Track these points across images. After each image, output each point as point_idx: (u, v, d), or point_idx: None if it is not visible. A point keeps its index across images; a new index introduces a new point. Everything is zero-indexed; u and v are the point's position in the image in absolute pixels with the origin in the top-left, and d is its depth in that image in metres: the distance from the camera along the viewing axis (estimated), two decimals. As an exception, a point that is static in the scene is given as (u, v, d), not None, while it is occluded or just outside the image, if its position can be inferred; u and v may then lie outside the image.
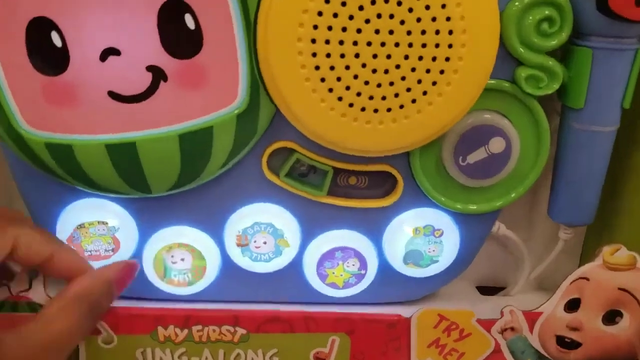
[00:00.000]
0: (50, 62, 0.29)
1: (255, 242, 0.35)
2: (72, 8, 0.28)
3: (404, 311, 0.36)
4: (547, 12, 0.31)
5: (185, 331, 0.33)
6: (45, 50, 0.29)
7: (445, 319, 0.35)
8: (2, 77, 0.29)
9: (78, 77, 0.29)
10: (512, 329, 0.36)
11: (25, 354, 0.27)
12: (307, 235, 0.36)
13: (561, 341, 0.35)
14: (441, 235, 0.36)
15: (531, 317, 0.35)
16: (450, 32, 0.29)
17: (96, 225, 0.34)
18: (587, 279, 0.35)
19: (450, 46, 0.29)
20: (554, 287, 0.36)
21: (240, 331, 0.33)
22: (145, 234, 0.35)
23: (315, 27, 0.28)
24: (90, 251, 0.34)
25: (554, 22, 0.31)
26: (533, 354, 0.36)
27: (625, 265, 0.34)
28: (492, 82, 0.32)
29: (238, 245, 0.35)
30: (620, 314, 0.35)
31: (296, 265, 0.36)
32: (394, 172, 0.34)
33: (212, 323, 0.33)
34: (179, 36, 0.29)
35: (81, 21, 0.28)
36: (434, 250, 0.36)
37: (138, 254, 0.35)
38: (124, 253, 0.35)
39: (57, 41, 0.28)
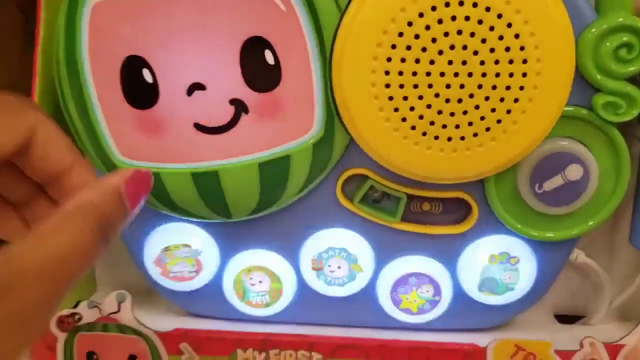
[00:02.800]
0: (141, 96, 0.31)
1: (329, 266, 0.36)
2: (162, 47, 0.30)
3: (479, 339, 0.35)
4: (625, 38, 0.31)
5: (263, 354, 0.35)
6: (138, 86, 0.31)
7: (522, 349, 0.34)
8: (99, 111, 0.32)
9: (167, 110, 0.31)
10: None
11: (9, 280, 0.20)
12: (381, 260, 0.36)
13: None
14: (517, 262, 0.36)
15: (613, 350, 0.34)
16: (525, 61, 0.29)
17: (181, 248, 0.36)
18: None
19: (524, 75, 0.29)
20: (637, 317, 0.35)
21: (316, 356, 0.34)
22: (225, 257, 0.37)
23: (389, 59, 0.29)
24: (175, 272, 0.36)
25: (632, 48, 0.31)
26: None
27: None
28: (569, 108, 0.32)
29: (313, 269, 0.36)
30: None
31: (370, 290, 0.37)
32: (469, 198, 0.35)
33: (289, 347, 0.34)
34: (260, 71, 0.31)
35: (170, 59, 0.30)
36: (509, 278, 0.36)
37: (219, 275, 0.36)
38: (206, 275, 0.36)
39: (148, 77, 0.31)
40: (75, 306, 0.35)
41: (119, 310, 0.34)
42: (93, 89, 0.31)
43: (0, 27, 0.48)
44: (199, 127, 0.31)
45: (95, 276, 0.42)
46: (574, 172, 0.33)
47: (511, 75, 0.29)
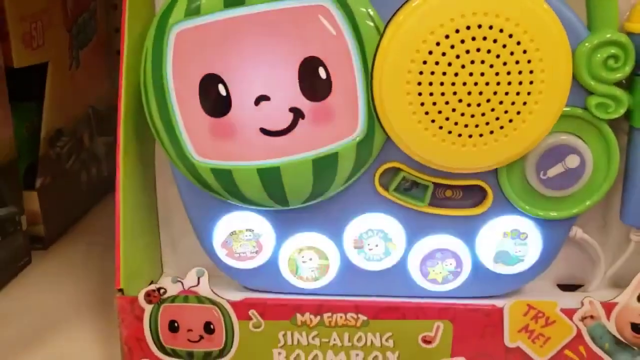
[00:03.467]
0: (217, 107, 0.35)
1: (369, 244, 0.39)
2: (236, 66, 0.35)
3: (495, 303, 0.39)
4: (612, 51, 0.35)
5: (318, 317, 0.38)
6: (214, 98, 0.35)
7: (533, 308, 0.38)
8: (180, 118, 0.36)
9: (237, 118, 0.35)
10: (592, 317, 0.38)
11: None
12: (411, 239, 0.40)
13: (636, 328, 0.38)
14: (526, 238, 0.39)
15: (608, 307, 0.38)
16: (531, 72, 0.33)
17: (244, 232, 0.40)
18: None
19: (531, 83, 0.33)
20: (628, 283, 0.38)
21: (362, 317, 0.38)
22: (281, 239, 0.40)
23: (421, 72, 0.34)
24: (239, 253, 0.40)
25: (619, 59, 0.35)
26: (610, 339, 0.38)
27: None
28: (567, 109, 0.36)
29: (355, 247, 0.40)
30: (688, 302, 0.36)
31: (402, 264, 0.40)
32: (485, 185, 0.38)
33: (339, 311, 0.38)
34: (314, 84, 0.35)
35: (242, 76, 0.35)
36: (520, 251, 0.39)
37: (275, 255, 0.41)
38: (265, 254, 0.41)
39: (222, 91, 0.35)
40: (150, 285, 0.39)
41: (198, 284, 0.38)
42: (175, 102, 0.36)
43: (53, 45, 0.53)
44: (263, 131, 0.36)
45: (162, 261, 0.47)
46: (572, 161, 0.37)
47: (520, 83, 0.33)
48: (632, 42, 0.35)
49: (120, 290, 0.39)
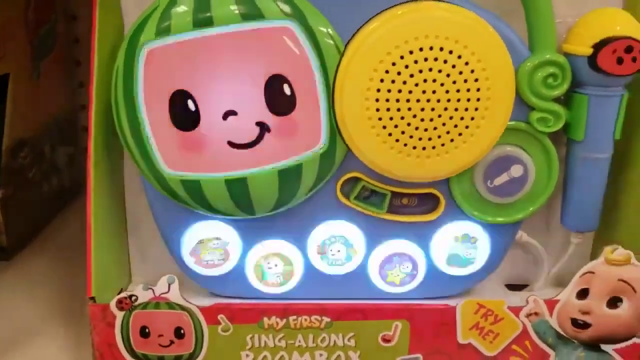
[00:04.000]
0: (186, 121, 0.36)
1: (331, 250, 0.41)
2: (204, 83, 0.36)
3: (449, 302, 0.41)
4: (551, 70, 0.37)
5: (284, 320, 0.40)
6: (183, 113, 0.36)
7: (483, 307, 0.40)
8: (150, 132, 0.37)
9: (206, 132, 0.36)
10: (536, 313, 0.40)
11: None
12: (371, 244, 0.42)
13: (575, 323, 0.40)
14: (476, 241, 0.41)
15: (551, 304, 0.40)
16: (478, 90, 0.36)
17: (212, 241, 0.41)
18: (594, 273, 0.39)
19: (478, 100, 0.36)
20: (569, 282, 0.40)
21: (326, 319, 0.40)
22: (247, 246, 0.41)
23: (378, 90, 0.36)
24: (207, 261, 0.41)
25: (557, 77, 0.38)
26: (553, 334, 0.40)
27: (622, 261, 0.38)
28: (512, 123, 0.38)
29: (318, 253, 0.41)
30: (621, 300, 0.39)
31: (363, 268, 0.42)
32: (438, 193, 0.40)
33: (304, 313, 0.40)
34: (279, 100, 0.36)
35: (210, 92, 0.36)
36: (470, 254, 0.41)
37: (242, 262, 0.42)
38: (232, 262, 0.42)
39: (191, 106, 0.36)
40: (119, 293, 0.40)
41: (169, 291, 0.39)
42: (146, 117, 0.37)
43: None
44: (231, 144, 0.37)
45: (130, 270, 0.47)
46: (516, 170, 0.39)
47: (468, 100, 0.36)
48: (569, 62, 0.38)
49: (92, 298, 0.40)
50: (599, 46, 0.37)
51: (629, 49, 0.37)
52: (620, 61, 0.37)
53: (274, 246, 0.42)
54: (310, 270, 0.43)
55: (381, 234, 0.42)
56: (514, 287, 0.47)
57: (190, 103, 0.36)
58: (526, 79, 0.38)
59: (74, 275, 0.40)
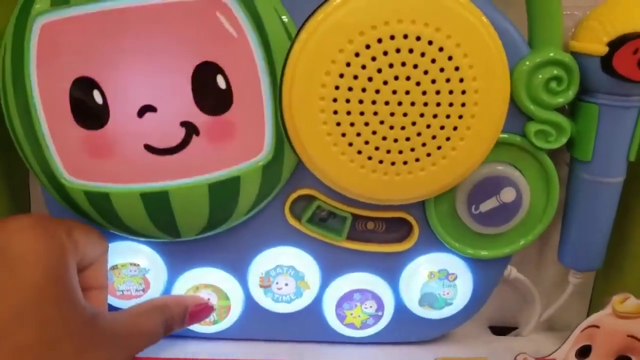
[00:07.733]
0: (91, 117, 0.31)
1: (277, 283, 0.37)
2: (113, 69, 0.30)
3: (419, 352, 0.37)
4: (555, 72, 0.33)
5: None
6: (87, 106, 0.31)
7: None
8: (47, 131, 0.31)
9: (116, 132, 0.31)
10: None
11: (111, 338, 0.29)
12: (327, 277, 0.38)
13: None
14: (455, 279, 0.37)
15: None
16: (463, 92, 0.31)
17: (128, 267, 0.36)
18: (598, 327, 0.35)
19: (463, 105, 0.31)
20: (565, 327, 0.38)
21: None
22: (173, 275, 0.37)
23: (337, 87, 0.30)
24: (122, 291, 0.36)
25: (562, 81, 0.33)
26: None
27: (633, 313, 0.35)
28: (504, 136, 0.34)
29: (261, 286, 0.37)
30: (630, 360, 0.36)
31: (316, 306, 0.38)
32: (410, 218, 0.36)
33: None
34: (211, 95, 0.31)
35: (120, 81, 0.31)
36: (448, 294, 0.38)
37: (167, 293, 0.37)
38: (154, 293, 0.37)
39: (98, 99, 0.31)
40: None
41: None
42: (41, 110, 0.31)
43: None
44: (149, 148, 0.32)
45: None
46: (507, 194, 0.35)
47: (451, 104, 0.31)
48: (577, 62, 0.34)
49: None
50: (615, 44, 0.33)
51: (653, 49, 0.33)
52: (641, 64, 0.33)
53: (207, 277, 0.37)
54: (251, 307, 0.38)
55: (339, 265, 0.38)
56: (499, 329, 0.44)
57: (96, 94, 0.31)
58: (524, 82, 0.33)
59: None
